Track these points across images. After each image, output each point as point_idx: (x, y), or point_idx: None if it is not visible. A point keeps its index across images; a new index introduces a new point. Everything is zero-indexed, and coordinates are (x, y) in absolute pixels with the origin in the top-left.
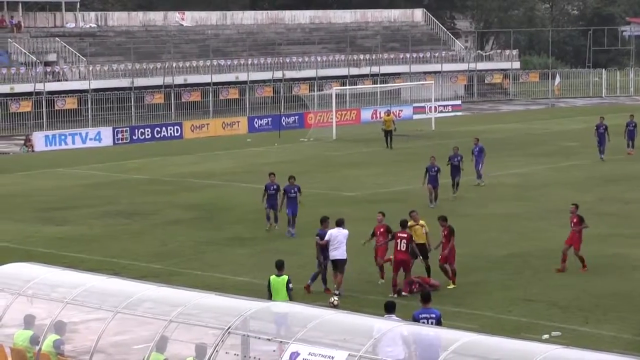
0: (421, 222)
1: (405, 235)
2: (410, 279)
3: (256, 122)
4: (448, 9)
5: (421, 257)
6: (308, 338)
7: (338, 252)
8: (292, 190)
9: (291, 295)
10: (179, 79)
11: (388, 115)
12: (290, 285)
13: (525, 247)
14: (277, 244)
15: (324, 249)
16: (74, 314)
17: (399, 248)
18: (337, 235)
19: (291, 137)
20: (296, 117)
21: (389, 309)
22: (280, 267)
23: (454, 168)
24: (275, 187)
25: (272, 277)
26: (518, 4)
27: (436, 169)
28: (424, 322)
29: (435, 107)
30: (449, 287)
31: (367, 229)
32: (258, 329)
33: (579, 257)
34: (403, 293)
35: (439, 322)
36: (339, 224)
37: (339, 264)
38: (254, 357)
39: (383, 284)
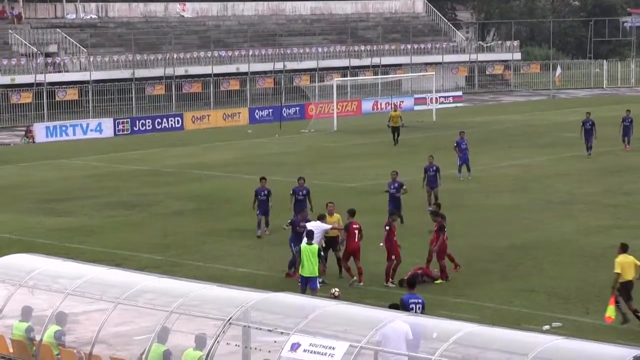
0: (336, 215)
1: (357, 226)
2: (415, 272)
3: (257, 113)
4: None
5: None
6: (309, 329)
7: None
8: (301, 193)
9: (321, 263)
10: (180, 70)
11: (395, 111)
12: (322, 254)
13: (526, 238)
14: (279, 235)
15: (298, 236)
16: (75, 304)
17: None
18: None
19: (292, 128)
20: (297, 108)
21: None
22: (310, 236)
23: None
24: (265, 192)
25: (303, 245)
26: None
27: (435, 168)
28: (412, 307)
29: (436, 98)
30: (436, 282)
31: (369, 219)
32: (259, 319)
33: (447, 256)
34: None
35: (423, 307)
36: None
37: None
38: (255, 348)
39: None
